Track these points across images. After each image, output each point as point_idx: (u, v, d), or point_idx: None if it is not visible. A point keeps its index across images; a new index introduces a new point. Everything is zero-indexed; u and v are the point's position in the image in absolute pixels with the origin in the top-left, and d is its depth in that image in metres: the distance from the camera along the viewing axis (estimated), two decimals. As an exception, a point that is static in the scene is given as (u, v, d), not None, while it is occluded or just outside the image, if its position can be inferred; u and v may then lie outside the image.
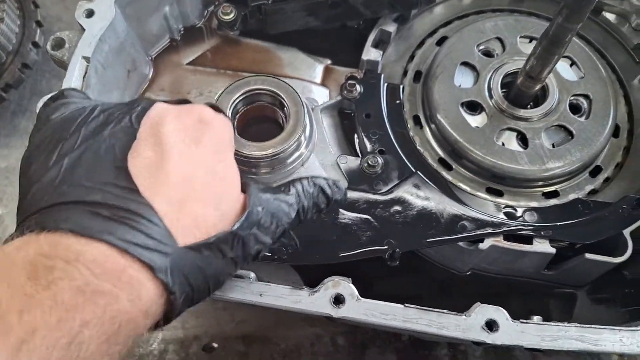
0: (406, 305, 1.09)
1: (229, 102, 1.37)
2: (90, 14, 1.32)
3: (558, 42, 1.26)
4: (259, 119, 1.47)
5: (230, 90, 1.38)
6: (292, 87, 1.39)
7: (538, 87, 1.43)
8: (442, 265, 1.53)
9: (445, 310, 1.08)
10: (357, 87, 1.52)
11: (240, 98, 1.38)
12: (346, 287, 1.10)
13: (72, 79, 1.26)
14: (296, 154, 1.39)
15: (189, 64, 1.56)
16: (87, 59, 1.28)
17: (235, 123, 1.41)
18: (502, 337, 1.06)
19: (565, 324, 1.07)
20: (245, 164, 1.36)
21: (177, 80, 1.53)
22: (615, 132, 1.53)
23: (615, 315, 1.48)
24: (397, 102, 1.54)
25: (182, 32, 1.58)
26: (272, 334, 1.82)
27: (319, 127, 1.49)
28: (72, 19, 1.34)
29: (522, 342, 1.06)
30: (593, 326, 1.07)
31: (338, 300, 1.09)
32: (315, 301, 1.09)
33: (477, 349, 1.83)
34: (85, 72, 1.27)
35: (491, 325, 1.07)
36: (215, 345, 1.80)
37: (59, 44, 1.31)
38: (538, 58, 1.33)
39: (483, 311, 1.08)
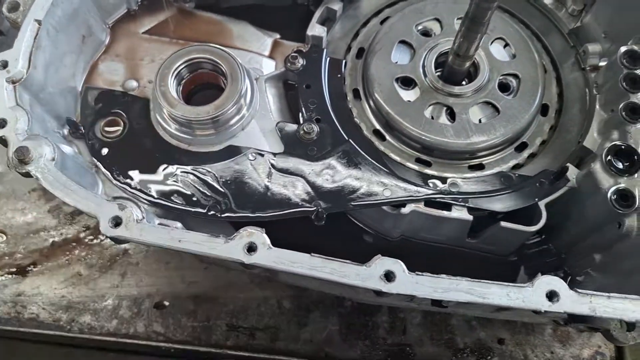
0: (312, 255, 1.18)
1: (172, 69, 1.47)
2: (45, -21, 1.42)
3: (478, 20, 1.35)
4: (205, 86, 1.56)
5: (173, 59, 1.48)
6: (231, 56, 1.48)
7: (468, 64, 1.51)
8: (373, 231, 1.63)
9: (347, 261, 1.17)
10: (300, 60, 1.61)
11: (183, 66, 1.48)
12: (259, 236, 1.19)
13: (24, 40, 1.35)
14: (236, 118, 1.49)
15: (145, 32, 1.65)
16: (38, 21, 1.38)
17: (181, 89, 1.51)
18: (398, 287, 1.15)
19: (458, 277, 1.16)
20: (187, 126, 1.46)
21: (132, 47, 1.63)
22: (544, 111, 1.61)
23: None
24: (339, 75, 1.63)
25: (139, 3, 1.67)
26: (221, 295, 1.93)
27: (262, 95, 1.58)
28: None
29: (416, 292, 1.15)
30: (482, 281, 1.16)
31: (251, 248, 1.18)
32: (229, 248, 1.18)
33: (416, 316, 1.92)
34: (37, 34, 1.37)
35: (389, 276, 1.16)
36: (166, 303, 1.91)
37: (14, 7, 1.40)
38: (463, 37, 1.42)
39: (382, 263, 1.17)
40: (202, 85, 1.57)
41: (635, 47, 1.46)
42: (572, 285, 1.16)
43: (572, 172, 1.46)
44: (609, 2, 1.56)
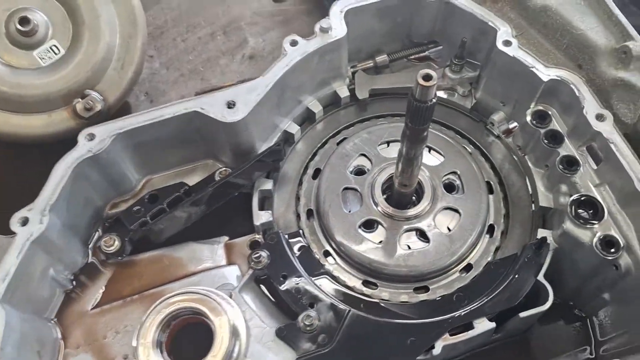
0: None
1: (152, 335, 1.36)
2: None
3: (411, 159, 1.42)
4: (192, 322, 1.46)
5: (147, 325, 1.36)
6: (206, 294, 1.40)
7: (414, 187, 1.58)
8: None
9: None
10: (262, 254, 1.56)
11: (159, 327, 1.37)
12: None
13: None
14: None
15: (94, 307, 1.51)
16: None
17: (164, 348, 1.40)
18: None
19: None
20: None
21: (89, 329, 1.48)
22: (490, 189, 1.71)
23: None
24: (304, 245, 1.61)
25: (73, 279, 1.54)
26: None
27: (246, 309, 1.50)
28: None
29: None
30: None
31: None
32: None
33: None
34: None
35: None
36: None
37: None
38: (402, 172, 1.48)
39: None
40: (187, 325, 1.46)
41: (540, 107, 1.62)
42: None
43: (547, 235, 1.56)
44: (492, 78, 1.72)
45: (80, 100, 1.83)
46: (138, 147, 1.59)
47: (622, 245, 1.42)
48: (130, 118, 1.52)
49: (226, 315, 1.36)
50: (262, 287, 1.59)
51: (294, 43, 1.62)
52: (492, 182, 1.71)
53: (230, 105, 1.54)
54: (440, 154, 1.71)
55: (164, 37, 2.61)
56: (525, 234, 1.63)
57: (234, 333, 1.39)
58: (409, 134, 1.33)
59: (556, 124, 1.60)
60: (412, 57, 1.90)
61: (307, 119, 1.83)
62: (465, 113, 1.83)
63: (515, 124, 1.74)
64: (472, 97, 1.81)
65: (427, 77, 1.17)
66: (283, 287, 1.52)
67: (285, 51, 1.61)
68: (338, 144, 1.79)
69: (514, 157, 1.73)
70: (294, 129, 1.77)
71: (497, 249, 1.62)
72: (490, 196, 1.69)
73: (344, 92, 1.82)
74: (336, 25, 1.64)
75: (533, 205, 1.66)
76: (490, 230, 1.65)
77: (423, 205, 1.61)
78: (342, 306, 1.49)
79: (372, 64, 1.85)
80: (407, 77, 1.83)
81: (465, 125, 1.82)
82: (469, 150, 1.75)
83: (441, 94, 1.84)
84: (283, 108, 1.72)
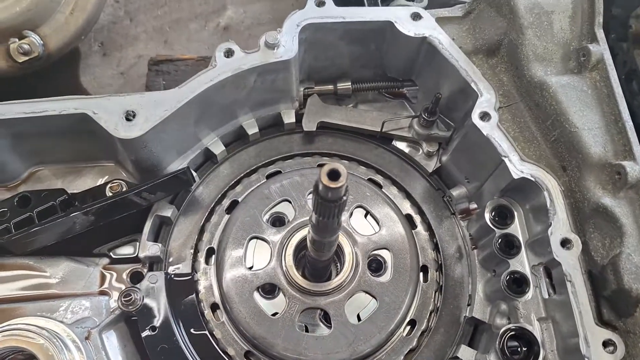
0: None
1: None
2: None
3: (322, 245, 1.15)
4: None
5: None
6: (46, 333, 1.18)
7: (329, 259, 1.31)
8: None
9: None
10: (135, 296, 1.33)
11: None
12: None
13: None
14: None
15: None
16: None
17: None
18: None
19: None
20: None
21: None
22: (425, 274, 1.44)
23: None
24: (190, 295, 1.38)
25: None
26: None
27: (101, 357, 1.29)
28: None
29: None
30: None
31: None
32: None
33: None
34: None
35: None
36: None
37: None
38: (312, 243, 1.20)
39: None
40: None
41: (505, 202, 1.32)
42: None
43: (470, 355, 1.30)
44: (461, 148, 1.41)
45: (17, 40, 1.66)
46: (19, 137, 1.33)
47: (547, 402, 1.17)
48: (4, 105, 1.24)
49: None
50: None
51: (229, 53, 1.31)
52: (428, 267, 1.44)
53: (129, 116, 1.25)
54: (377, 222, 1.42)
55: (137, -19, 2.29)
56: (448, 343, 1.37)
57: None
58: (314, 224, 1.06)
59: (517, 229, 1.31)
60: (385, 91, 1.58)
61: (239, 138, 1.54)
62: (424, 176, 1.53)
63: (475, 206, 1.44)
64: (437, 160, 1.51)
65: (334, 175, 0.89)
66: (146, 338, 1.30)
67: (216, 62, 1.30)
68: (268, 177, 1.51)
69: (464, 246, 1.45)
70: (219, 148, 1.49)
71: (410, 351, 1.37)
72: (422, 284, 1.42)
73: (289, 117, 1.52)
74: (286, 42, 1.32)
75: (468, 310, 1.39)
76: (411, 325, 1.39)
77: (337, 282, 1.34)
78: (206, 381, 1.27)
79: (332, 89, 1.53)
80: (367, 118, 1.52)
81: (421, 190, 1.52)
82: (414, 225, 1.47)
83: (403, 146, 1.53)
84: (207, 123, 1.43)
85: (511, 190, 1.31)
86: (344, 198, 0.95)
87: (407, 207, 1.49)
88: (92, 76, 2.15)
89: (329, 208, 0.97)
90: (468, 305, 1.39)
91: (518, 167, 1.24)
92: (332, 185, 0.89)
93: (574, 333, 1.13)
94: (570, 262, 1.17)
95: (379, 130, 1.50)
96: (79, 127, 1.30)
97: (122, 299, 1.32)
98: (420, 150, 1.53)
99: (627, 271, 1.09)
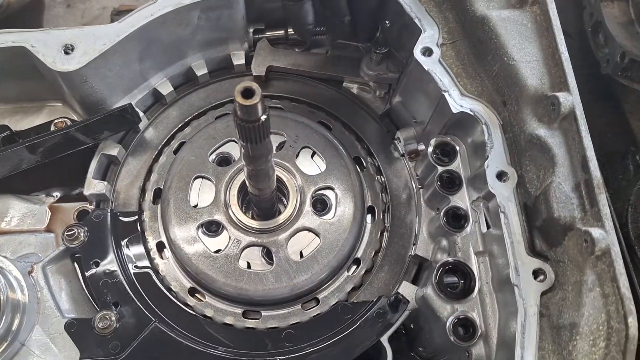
0: None
1: None
2: None
3: (257, 173, 1.15)
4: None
5: None
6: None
7: (271, 194, 1.31)
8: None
9: None
10: (81, 231, 1.34)
11: None
12: None
13: None
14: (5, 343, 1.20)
15: None
16: None
17: None
18: None
19: None
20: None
21: None
22: (372, 215, 1.44)
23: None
24: (135, 235, 1.38)
25: None
26: None
27: (42, 289, 1.30)
28: None
29: None
30: None
31: None
32: None
33: None
34: None
35: None
36: None
37: None
38: (250, 177, 1.20)
39: None
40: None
41: (448, 139, 1.31)
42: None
43: (411, 291, 1.31)
44: (407, 86, 1.40)
45: (-26, -11, 1.59)
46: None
47: (479, 333, 1.17)
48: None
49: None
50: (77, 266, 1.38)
51: (170, -12, 1.30)
52: (375, 208, 1.44)
53: (68, 50, 1.25)
54: (323, 160, 1.42)
55: None
56: (392, 280, 1.38)
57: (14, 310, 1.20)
58: (244, 153, 1.06)
59: (459, 165, 1.31)
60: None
61: (189, 80, 1.53)
62: (374, 118, 1.52)
63: (423, 147, 1.44)
64: (387, 102, 1.50)
65: (247, 93, 0.88)
66: (89, 274, 1.31)
67: (156, -4, 1.29)
68: (217, 118, 1.50)
69: (412, 186, 1.44)
70: (167, 89, 1.48)
71: (354, 289, 1.38)
72: (369, 224, 1.43)
73: (239, 59, 1.51)
74: (229, -25, 1.31)
75: (413, 249, 1.39)
76: (355, 263, 1.40)
77: (280, 219, 1.35)
78: (148, 315, 1.28)
79: (282, 34, 1.52)
80: (316, 60, 1.51)
81: (371, 132, 1.51)
82: (362, 166, 1.46)
83: (354, 88, 1.52)
84: (153, 62, 1.42)
85: (453, 126, 1.30)
86: (262, 118, 0.94)
87: (357, 149, 1.49)
88: (56, 28, 2.12)
89: (250, 130, 0.96)
90: (414, 244, 1.39)
91: (458, 101, 1.24)
92: (247, 102, 0.89)
93: (505, 264, 1.14)
94: (504, 194, 1.17)
95: (328, 73, 1.49)
96: (20, 62, 1.29)
97: (66, 235, 1.33)
98: (371, 92, 1.52)
99: (557, 200, 1.08)
